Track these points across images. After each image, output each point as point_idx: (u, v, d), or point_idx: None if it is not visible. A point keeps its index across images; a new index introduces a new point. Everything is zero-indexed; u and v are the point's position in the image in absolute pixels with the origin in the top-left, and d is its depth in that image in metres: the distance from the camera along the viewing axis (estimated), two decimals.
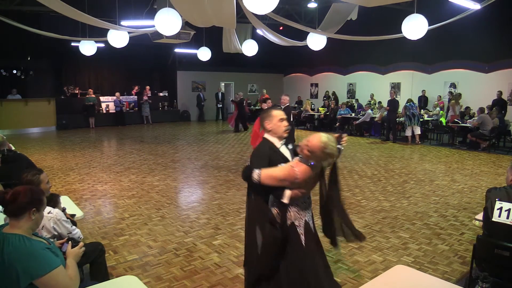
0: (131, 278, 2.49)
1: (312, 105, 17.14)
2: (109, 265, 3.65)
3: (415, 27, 6.53)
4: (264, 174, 2.48)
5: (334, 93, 17.75)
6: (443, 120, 12.69)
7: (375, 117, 13.50)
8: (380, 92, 15.67)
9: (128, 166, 8.45)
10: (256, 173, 2.48)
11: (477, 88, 13.33)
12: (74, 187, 6.76)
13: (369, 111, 13.79)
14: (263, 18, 9.18)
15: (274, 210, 2.62)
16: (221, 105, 18.79)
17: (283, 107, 7.25)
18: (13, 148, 5.56)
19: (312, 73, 19.92)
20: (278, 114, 2.79)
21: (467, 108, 12.46)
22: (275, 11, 7.04)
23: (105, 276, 3.15)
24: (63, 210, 3.16)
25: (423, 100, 14.23)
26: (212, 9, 6.29)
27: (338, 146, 2.66)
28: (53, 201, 3.10)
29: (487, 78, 13.17)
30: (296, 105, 17.94)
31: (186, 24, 9.28)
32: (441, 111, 13.44)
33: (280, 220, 2.58)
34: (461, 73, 13.87)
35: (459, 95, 12.64)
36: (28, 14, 11.44)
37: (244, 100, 15.71)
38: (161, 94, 18.76)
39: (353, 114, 14.72)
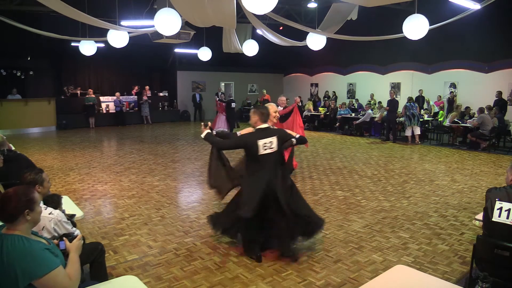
0: (131, 278, 2.49)
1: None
2: (109, 265, 3.65)
3: (416, 27, 6.52)
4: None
5: (334, 93, 17.77)
6: (442, 119, 12.72)
7: (375, 117, 13.50)
8: (380, 92, 15.67)
9: (128, 166, 8.45)
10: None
11: (477, 88, 13.33)
12: (74, 187, 6.76)
13: (369, 111, 13.79)
14: (263, 18, 9.17)
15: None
16: None
17: (281, 108, 7.32)
18: (13, 148, 5.56)
19: (312, 73, 19.92)
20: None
21: (467, 108, 12.47)
22: (275, 11, 7.05)
23: (105, 276, 3.15)
24: (63, 212, 3.16)
25: (421, 100, 14.23)
26: (212, 9, 6.28)
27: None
28: (55, 202, 3.10)
29: (487, 78, 13.17)
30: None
31: (186, 24, 9.28)
32: (441, 111, 13.46)
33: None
34: (461, 73, 13.87)
35: (458, 106, 12.67)
36: (28, 14, 11.43)
37: (234, 101, 14.16)
38: (161, 94, 18.75)
39: (353, 114, 14.72)
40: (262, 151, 3.72)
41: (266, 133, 3.79)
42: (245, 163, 4.06)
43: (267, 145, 3.73)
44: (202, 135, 3.94)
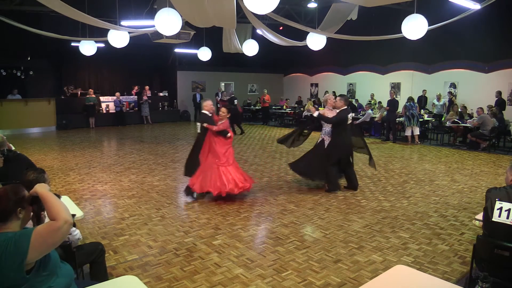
0: (131, 278, 2.49)
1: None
2: (109, 265, 3.65)
3: (415, 27, 6.52)
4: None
5: (334, 93, 17.74)
6: (442, 119, 12.72)
7: (375, 117, 13.50)
8: (380, 92, 15.68)
9: (128, 166, 8.45)
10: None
11: (477, 88, 13.34)
12: (74, 187, 6.76)
13: (369, 111, 13.78)
14: (263, 18, 9.17)
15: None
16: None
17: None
18: (13, 148, 5.56)
19: (312, 73, 19.93)
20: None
21: (464, 107, 12.45)
22: (275, 11, 7.03)
23: (105, 276, 3.15)
24: None
25: (423, 100, 14.24)
26: (212, 9, 6.28)
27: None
28: None
29: (487, 78, 13.18)
30: (296, 105, 17.95)
31: (186, 24, 9.27)
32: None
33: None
34: (461, 73, 13.88)
35: (456, 105, 12.67)
36: (28, 14, 11.42)
37: (236, 98, 14.13)
38: (161, 94, 18.76)
39: (353, 114, 14.68)
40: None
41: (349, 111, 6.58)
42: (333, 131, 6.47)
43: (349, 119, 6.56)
44: (315, 114, 6.49)
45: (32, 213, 2.12)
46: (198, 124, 6.18)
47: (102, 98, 16.66)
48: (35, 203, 2.06)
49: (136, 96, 17.47)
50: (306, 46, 9.14)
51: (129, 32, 8.37)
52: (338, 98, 6.61)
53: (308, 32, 8.76)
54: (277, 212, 5.45)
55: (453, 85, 14.13)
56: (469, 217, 5.23)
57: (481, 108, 10.96)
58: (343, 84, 18.18)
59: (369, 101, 15.29)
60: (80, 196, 6.21)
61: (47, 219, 2.45)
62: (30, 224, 2.29)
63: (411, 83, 15.39)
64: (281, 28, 13.76)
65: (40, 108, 14.56)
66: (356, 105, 15.74)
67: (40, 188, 2.01)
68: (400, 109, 12.68)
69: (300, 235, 4.63)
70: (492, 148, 10.77)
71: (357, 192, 6.51)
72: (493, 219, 2.69)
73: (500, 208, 2.66)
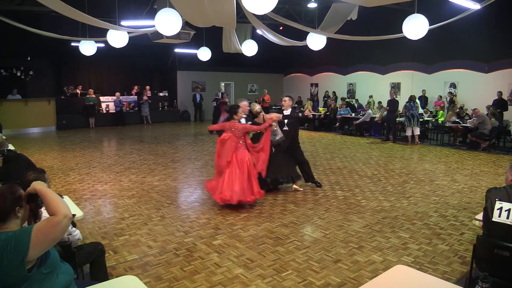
0: (131, 278, 2.48)
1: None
2: (109, 265, 3.65)
3: (415, 27, 6.52)
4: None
5: (334, 93, 17.77)
6: (442, 119, 12.72)
7: (375, 117, 13.50)
8: (380, 92, 15.67)
9: (128, 166, 8.45)
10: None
11: (477, 88, 13.33)
12: (74, 187, 6.76)
13: (369, 111, 13.79)
14: (263, 18, 9.17)
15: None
16: None
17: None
18: (13, 148, 5.56)
19: (312, 73, 19.92)
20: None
21: (461, 108, 12.44)
22: (275, 11, 7.05)
23: (105, 276, 3.15)
24: None
25: (423, 100, 14.24)
26: (213, 9, 6.28)
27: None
28: None
29: (487, 78, 13.17)
30: (296, 105, 17.94)
31: (186, 24, 9.27)
32: (440, 111, 13.47)
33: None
34: (461, 73, 13.87)
35: (454, 105, 12.68)
36: (28, 14, 11.43)
37: (221, 100, 14.38)
38: (161, 94, 18.76)
39: (353, 114, 14.71)
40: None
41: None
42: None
43: None
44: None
45: (29, 211, 2.12)
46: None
47: (102, 98, 16.66)
48: (33, 200, 2.06)
49: (136, 96, 17.47)
50: (306, 46, 9.13)
51: (128, 32, 8.37)
52: (288, 98, 6.74)
53: (308, 32, 8.76)
54: (277, 212, 5.45)
55: (453, 85, 14.12)
56: (469, 217, 5.23)
57: (477, 109, 10.97)
58: (343, 84, 18.18)
59: (368, 102, 15.30)
60: (80, 196, 6.21)
61: (44, 216, 2.46)
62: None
63: (411, 83, 15.39)
64: (281, 28, 13.76)
65: (40, 108, 14.56)
66: (356, 105, 15.75)
67: (38, 185, 2.02)
68: (400, 109, 12.68)
69: (300, 235, 4.63)
70: (492, 148, 10.77)
71: (357, 192, 6.51)
72: (493, 219, 2.69)
73: (500, 208, 2.66)
